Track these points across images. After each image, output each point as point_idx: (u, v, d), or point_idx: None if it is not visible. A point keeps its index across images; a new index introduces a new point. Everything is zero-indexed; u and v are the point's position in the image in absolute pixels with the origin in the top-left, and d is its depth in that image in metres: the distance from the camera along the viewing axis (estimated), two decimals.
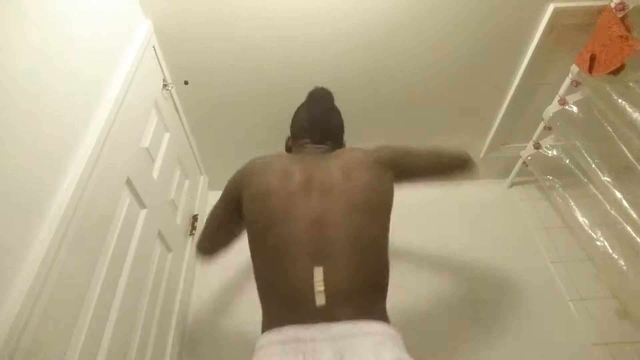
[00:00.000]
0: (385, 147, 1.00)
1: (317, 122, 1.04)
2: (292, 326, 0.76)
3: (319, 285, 0.77)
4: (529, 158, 1.82)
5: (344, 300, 0.78)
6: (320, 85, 1.16)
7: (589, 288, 1.63)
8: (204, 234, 1.09)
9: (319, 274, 0.78)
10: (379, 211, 0.90)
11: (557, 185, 1.74)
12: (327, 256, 0.81)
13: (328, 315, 0.76)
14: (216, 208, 1.05)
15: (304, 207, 0.85)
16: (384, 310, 0.85)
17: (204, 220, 1.10)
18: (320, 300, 0.77)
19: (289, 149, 1.09)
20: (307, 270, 0.79)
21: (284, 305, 0.81)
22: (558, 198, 1.72)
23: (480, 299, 1.60)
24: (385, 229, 0.91)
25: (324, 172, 0.90)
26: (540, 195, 1.98)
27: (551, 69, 1.55)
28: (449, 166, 1.06)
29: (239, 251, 1.08)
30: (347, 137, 1.15)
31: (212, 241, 1.09)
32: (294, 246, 0.82)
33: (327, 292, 0.77)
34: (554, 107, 1.61)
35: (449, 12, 1.34)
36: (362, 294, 0.80)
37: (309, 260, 0.80)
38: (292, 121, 1.10)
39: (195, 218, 1.72)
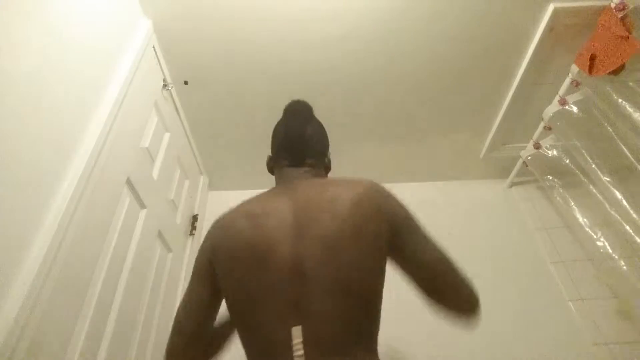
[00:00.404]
0: (402, 207, 0.80)
1: (295, 139, 0.94)
2: None
3: (298, 349, 0.67)
4: (529, 158, 1.82)
5: None
6: (320, 85, 1.13)
7: (589, 288, 1.62)
8: (173, 343, 0.84)
9: (297, 333, 0.68)
10: (375, 246, 0.75)
11: (557, 185, 1.74)
12: (307, 311, 0.70)
13: None
14: (187, 301, 0.87)
15: (279, 256, 0.73)
16: None
17: (192, 267, 0.85)
18: None
19: (270, 170, 1.00)
20: (284, 332, 0.69)
21: None
22: (558, 198, 1.72)
23: (479, 299, 1.60)
24: (382, 268, 0.77)
25: (305, 209, 0.77)
26: (540, 195, 1.98)
27: (551, 69, 1.55)
28: (451, 292, 0.83)
29: None
30: (348, 140, 1.13)
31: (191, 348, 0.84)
32: (265, 304, 0.72)
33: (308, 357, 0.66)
34: (554, 107, 1.61)
35: (449, 13, 1.34)
36: (350, 356, 0.69)
37: (283, 318, 0.70)
38: (271, 139, 1.01)
39: (195, 218, 1.72)
